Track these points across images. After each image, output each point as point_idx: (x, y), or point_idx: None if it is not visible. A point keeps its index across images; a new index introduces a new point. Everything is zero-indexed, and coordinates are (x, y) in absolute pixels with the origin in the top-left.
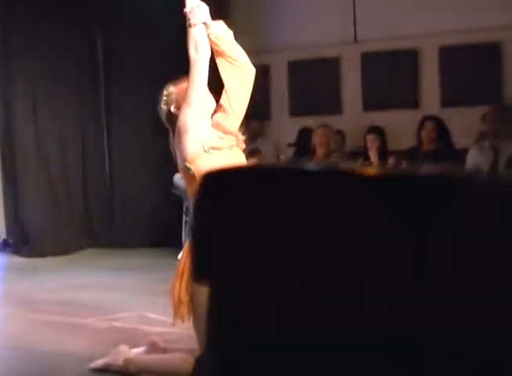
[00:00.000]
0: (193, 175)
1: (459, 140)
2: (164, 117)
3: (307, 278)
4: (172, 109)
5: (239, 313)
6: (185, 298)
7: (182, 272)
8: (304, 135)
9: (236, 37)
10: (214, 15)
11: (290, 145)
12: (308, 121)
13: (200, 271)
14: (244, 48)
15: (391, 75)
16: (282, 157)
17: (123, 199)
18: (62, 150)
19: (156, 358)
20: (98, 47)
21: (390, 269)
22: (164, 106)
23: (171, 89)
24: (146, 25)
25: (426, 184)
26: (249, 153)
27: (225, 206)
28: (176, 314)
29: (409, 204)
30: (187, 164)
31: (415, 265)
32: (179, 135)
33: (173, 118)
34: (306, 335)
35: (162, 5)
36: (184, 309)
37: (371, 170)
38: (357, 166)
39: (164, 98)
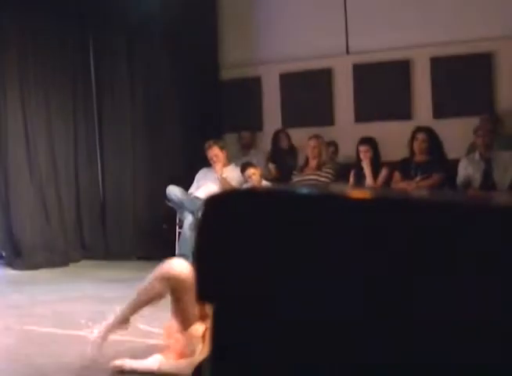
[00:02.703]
0: None
1: (451, 151)
2: None
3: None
4: None
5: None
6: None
7: None
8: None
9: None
10: (204, 26)
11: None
12: (300, 132)
13: (203, 291)
14: (236, 61)
15: (382, 86)
16: (270, 166)
17: (115, 211)
18: (53, 162)
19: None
20: (90, 54)
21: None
22: None
23: None
24: (136, 29)
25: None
26: (242, 166)
27: (229, 228)
28: None
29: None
30: None
31: None
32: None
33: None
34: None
35: (151, 8)
36: None
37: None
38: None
39: None
